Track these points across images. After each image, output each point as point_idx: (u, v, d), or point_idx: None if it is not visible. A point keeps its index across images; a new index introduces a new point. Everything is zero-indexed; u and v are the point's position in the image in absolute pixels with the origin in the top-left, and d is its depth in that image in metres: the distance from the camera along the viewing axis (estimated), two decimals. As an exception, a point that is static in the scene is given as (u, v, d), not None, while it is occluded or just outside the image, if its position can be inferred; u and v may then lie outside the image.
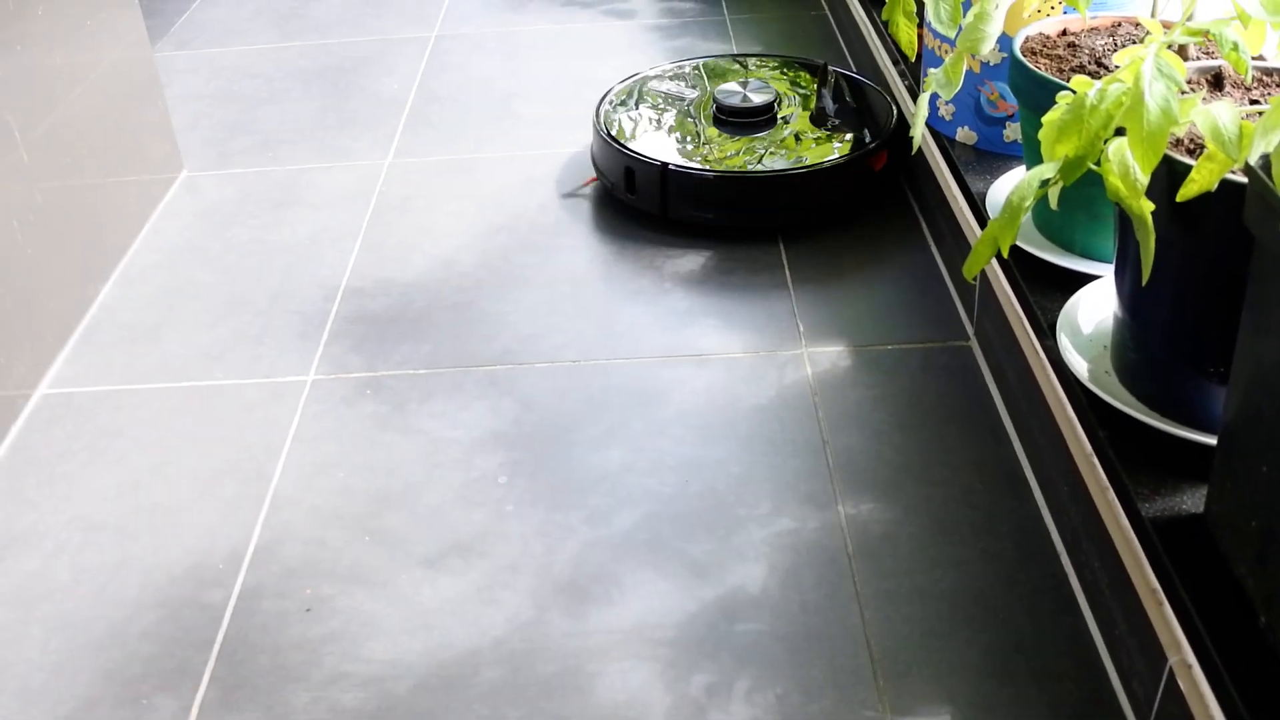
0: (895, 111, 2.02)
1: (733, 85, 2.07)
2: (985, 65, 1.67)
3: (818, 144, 1.96)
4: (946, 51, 1.71)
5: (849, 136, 1.98)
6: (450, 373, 1.68)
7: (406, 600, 1.37)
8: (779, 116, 2.03)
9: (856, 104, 2.07)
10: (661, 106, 2.07)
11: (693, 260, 1.88)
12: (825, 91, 2.08)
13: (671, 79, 2.14)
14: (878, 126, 1.99)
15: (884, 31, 2.08)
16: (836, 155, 1.93)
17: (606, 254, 1.91)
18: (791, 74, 2.17)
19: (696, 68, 2.20)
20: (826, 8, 2.70)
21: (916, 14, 1.51)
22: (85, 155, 1.82)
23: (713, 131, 2.01)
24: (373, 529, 1.46)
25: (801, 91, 2.11)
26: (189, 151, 2.28)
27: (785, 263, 1.86)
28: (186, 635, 1.35)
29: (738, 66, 2.21)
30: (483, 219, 2.03)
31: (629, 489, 1.49)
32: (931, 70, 1.28)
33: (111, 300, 1.88)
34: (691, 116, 2.05)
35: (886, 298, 1.79)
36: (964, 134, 1.73)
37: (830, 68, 2.15)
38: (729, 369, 1.66)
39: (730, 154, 1.95)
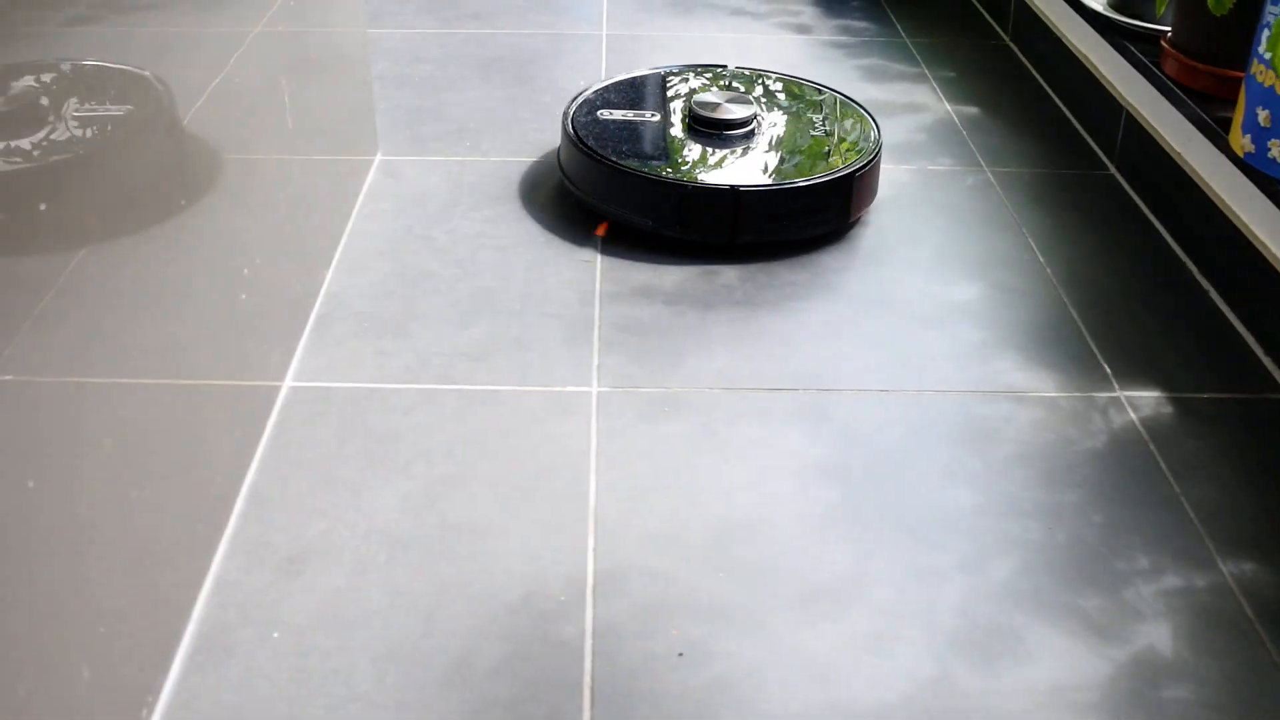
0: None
1: (711, 96, 1.95)
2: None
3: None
4: (1275, 81, 1.59)
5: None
6: (752, 394, 1.52)
7: (789, 647, 1.21)
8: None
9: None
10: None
11: (966, 289, 1.74)
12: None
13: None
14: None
15: (1144, 61, 1.96)
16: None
17: (876, 275, 1.76)
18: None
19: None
20: (1008, 38, 2.58)
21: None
22: (313, 131, 1.63)
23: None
24: (723, 564, 1.29)
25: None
26: (378, 133, 2.10)
27: (1065, 300, 1.73)
28: (546, 677, 1.17)
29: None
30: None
31: (991, 533, 1.34)
32: None
33: (339, 288, 1.69)
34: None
35: (1178, 342, 1.67)
36: (1299, 175, 1.62)
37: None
38: (1050, 409, 1.53)
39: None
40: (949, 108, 2.26)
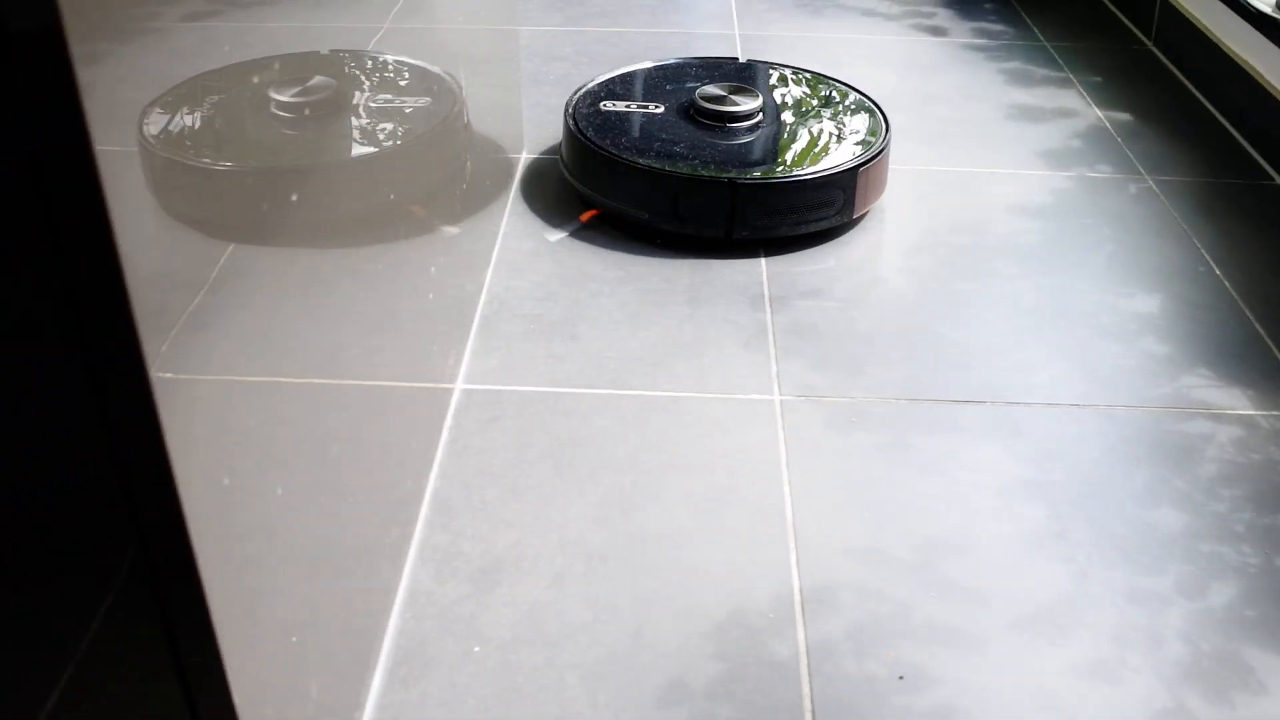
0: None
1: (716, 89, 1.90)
2: None
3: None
4: None
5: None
6: (938, 406, 1.47)
7: (1013, 671, 1.15)
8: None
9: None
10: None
11: (1144, 301, 1.68)
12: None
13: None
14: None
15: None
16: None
17: (1049, 284, 1.70)
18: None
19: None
20: (1150, 42, 2.51)
21: None
22: (478, 127, 1.58)
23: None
24: (934, 582, 1.24)
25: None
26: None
27: (1249, 314, 1.66)
28: (765, 698, 1.12)
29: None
30: (886, 235, 1.81)
31: (1206, 557, 1.28)
32: None
33: (501, 289, 1.65)
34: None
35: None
36: None
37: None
38: (1249, 428, 1.46)
39: None
40: (1099, 113, 2.20)
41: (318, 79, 0.87)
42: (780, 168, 1.76)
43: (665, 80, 1.99)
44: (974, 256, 1.76)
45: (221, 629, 0.78)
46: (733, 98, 1.88)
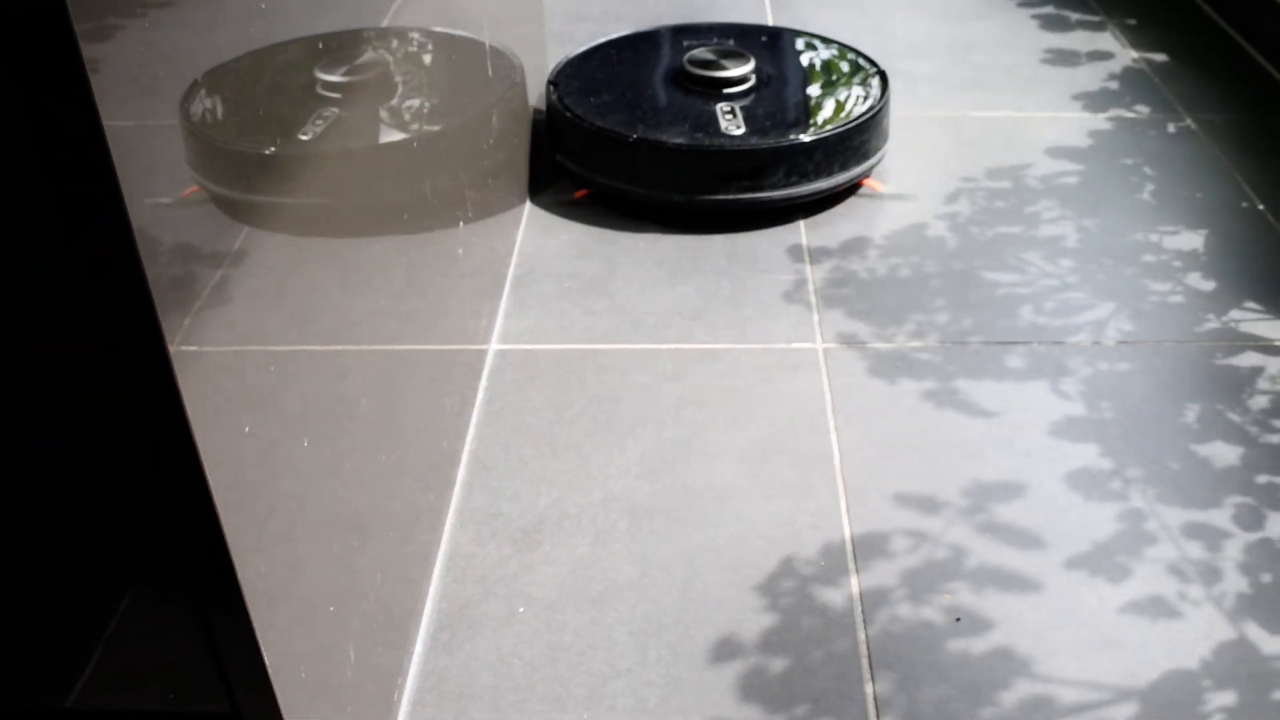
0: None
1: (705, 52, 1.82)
2: None
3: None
4: None
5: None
6: (986, 349, 1.44)
7: (1071, 611, 1.13)
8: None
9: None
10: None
11: (1188, 238, 1.64)
12: None
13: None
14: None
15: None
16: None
17: (1092, 225, 1.67)
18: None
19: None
20: (1214, 12, 2.44)
21: None
22: (503, 83, 1.56)
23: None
24: (987, 523, 1.21)
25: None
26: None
27: (1298, 244, 1.62)
28: (819, 647, 1.10)
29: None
30: (925, 183, 1.78)
31: (1262, 489, 1.26)
32: None
33: (532, 248, 1.63)
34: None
35: None
36: None
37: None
38: (1303, 358, 1.42)
39: None
40: (1135, 55, 2.16)
41: (367, 57, 0.84)
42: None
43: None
44: (1014, 200, 1.73)
45: (252, 598, 0.76)
46: (722, 62, 1.82)
